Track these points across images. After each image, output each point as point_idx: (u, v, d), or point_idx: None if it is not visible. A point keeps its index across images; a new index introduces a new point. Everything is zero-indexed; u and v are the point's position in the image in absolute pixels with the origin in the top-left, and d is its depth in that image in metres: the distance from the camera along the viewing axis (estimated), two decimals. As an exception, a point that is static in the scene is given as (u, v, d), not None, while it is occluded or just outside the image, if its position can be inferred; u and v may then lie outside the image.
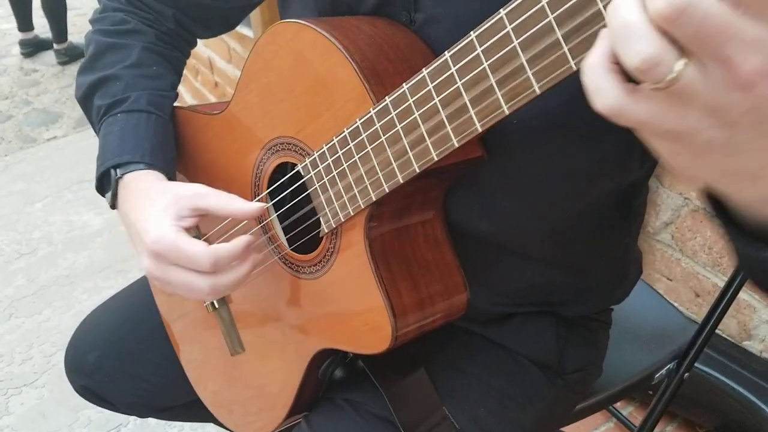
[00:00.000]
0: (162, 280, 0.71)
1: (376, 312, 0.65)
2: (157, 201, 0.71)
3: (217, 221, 0.77)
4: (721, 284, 1.38)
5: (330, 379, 0.78)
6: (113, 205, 0.79)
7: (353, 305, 0.68)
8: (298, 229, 0.73)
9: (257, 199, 0.76)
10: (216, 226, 0.79)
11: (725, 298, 0.96)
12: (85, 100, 0.84)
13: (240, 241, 0.70)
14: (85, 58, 0.85)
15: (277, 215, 0.76)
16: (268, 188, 0.75)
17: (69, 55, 4.18)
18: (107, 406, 1.04)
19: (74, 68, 4.11)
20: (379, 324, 0.66)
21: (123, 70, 0.83)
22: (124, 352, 1.01)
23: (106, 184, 0.79)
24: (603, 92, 0.36)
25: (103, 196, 0.81)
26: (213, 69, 3.15)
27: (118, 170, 0.77)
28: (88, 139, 3.27)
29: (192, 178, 0.86)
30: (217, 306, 0.80)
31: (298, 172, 0.70)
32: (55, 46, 4.17)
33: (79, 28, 4.61)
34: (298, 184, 0.70)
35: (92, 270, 2.36)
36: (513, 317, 0.79)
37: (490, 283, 0.74)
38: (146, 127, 0.81)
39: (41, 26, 4.24)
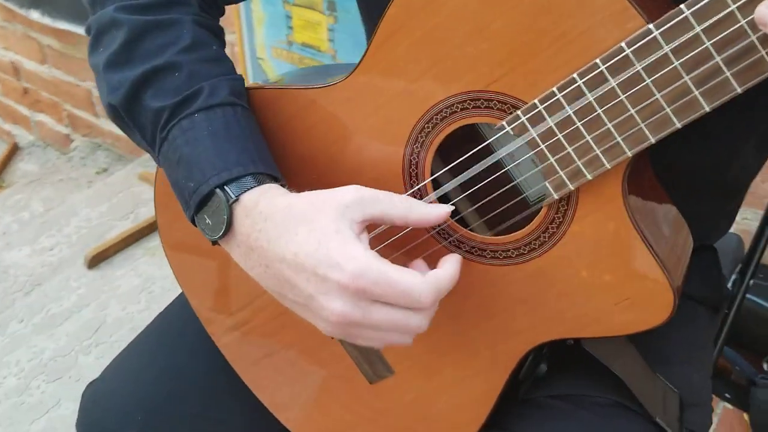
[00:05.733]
0: (362, 324, 0.53)
1: (645, 280, 0.54)
2: (317, 220, 0.53)
3: None
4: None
5: (532, 378, 0.65)
6: (221, 237, 0.58)
7: (599, 278, 0.56)
8: (495, 209, 0.60)
9: (420, 185, 0.60)
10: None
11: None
12: (129, 103, 0.61)
13: (455, 261, 0.56)
14: (113, 48, 0.62)
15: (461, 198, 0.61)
16: (433, 172, 0.59)
17: None
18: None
19: None
20: (648, 293, 0.55)
21: (179, 56, 0.61)
22: (174, 418, 0.79)
23: (208, 209, 0.58)
24: None
25: (196, 224, 0.61)
26: (20, 74, 2.68)
27: (228, 189, 0.57)
28: None
29: (290, 178, 0.66)
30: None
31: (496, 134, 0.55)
32: None
33: None
34: (494, 153, 0.56)
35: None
36: None
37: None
38: (239, 125, 0.61)
39: None
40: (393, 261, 0.53)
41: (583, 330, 0.59)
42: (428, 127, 0.58)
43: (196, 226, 0.60)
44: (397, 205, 0.55)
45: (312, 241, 0.53)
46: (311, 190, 0.57)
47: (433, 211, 0.56)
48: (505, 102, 0.54)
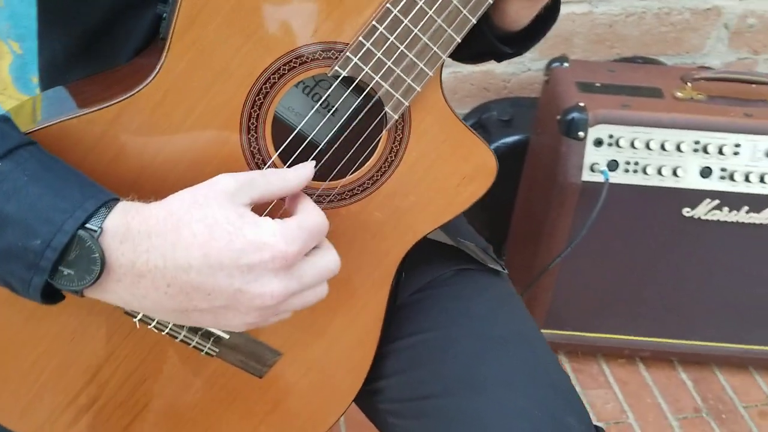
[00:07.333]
0: (298, 291, 0.53)
1: (474, 155, 0.66)
2: (211, 213, 0.50)
3: None
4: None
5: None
6: (96, 278, 0.49)
7: (442, 170, 0.65)
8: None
9: (270, 162, 0.60)
10: None
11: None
12: None
13: (305, 196, 0.59)
14: None
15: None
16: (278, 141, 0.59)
17: None
18: None
19: None
20: (479, 164, 0.66)
21: None
22: None
23: (65, 260, 0.49)
24: None
25: (51, 296, 0.50)
26: None
27: (89, 226, 0.49)
28: None
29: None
30: (225, 337, 0.64)
31: (328, 81, 0.58)
32: None
33: None
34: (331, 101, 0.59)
35: None
36: None
37: None
38: (55, 161, 0.53)
39: None
40: None
41: (438, 220, 0.68)
42: (260, 99, 0.58)
43: (38, 297, 0.50)
44: (272, 180, 0.55)
45: (219, 234, 0.49)
46: (134, 195, 0.53)
47: (303, 173, 0.57)
48: (328, 49, 0.58)
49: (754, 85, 1.38)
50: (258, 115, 0.58)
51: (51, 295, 0.50)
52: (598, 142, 1.30)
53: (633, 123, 1.29)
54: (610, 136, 1.30)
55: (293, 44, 0.57)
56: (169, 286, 0.50)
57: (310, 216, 0.54)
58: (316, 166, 0.61)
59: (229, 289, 0.50)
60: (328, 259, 0.55)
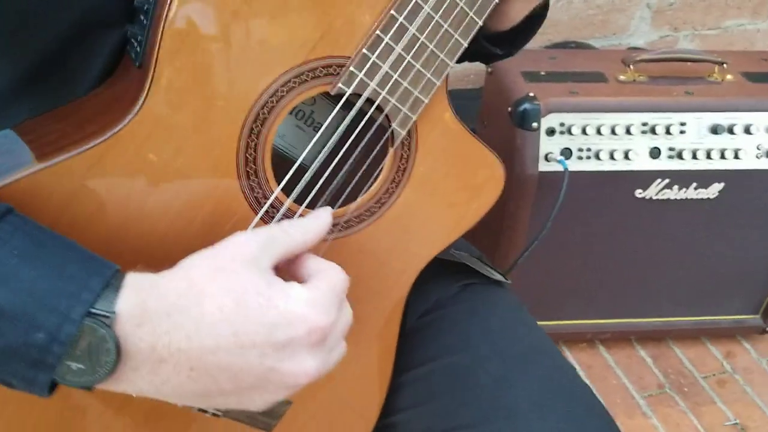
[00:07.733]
0: (331, 357, 0.49)
1: (481, 164, 0.62)
2: (237, 284, 0.44)
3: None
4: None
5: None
6: (111, 372, 0.42)
7: (451, 184, 0.61)
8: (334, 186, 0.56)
9: (272, 196, 0.53)
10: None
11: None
12: None
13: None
14: None
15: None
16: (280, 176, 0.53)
17: None
18: None
19: None
20: (488, 174, 0.62)
21: None
22: None
23: (73, 353, 0.41)
24: None
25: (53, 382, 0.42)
26: None
27: (96, 311, 0.41)
28: None
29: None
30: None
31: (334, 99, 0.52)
32: None
33: None
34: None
35: None
36: None
37: None
38: (41, 230, 0.44)
39: None
40: None
41: (449, 238, 0.63)
42: (257, 126, 0.51)
43: (45, 393, 0.42)
44: (293, 235, 0.50)
45: (249, 308, 0.43)
46: (142, 267, 0.46)
47: (322, 222, 0.52)
48: (329, 65, 0.52)
49: (689, 63, 1.41)
50: (256, 145, 0.52)
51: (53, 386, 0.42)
52: (551, 132, 1.29)
53: (583, 110, 1.28)
54: (562, 124, 1.29)
55: (291, 62, 0.50)
56: (192, 369, 0.43)
57: (334, 275, 0.48)
58: (323, 196, 0.55)
59: (260, 368, 0.44)
60: (347, 318, 0.50)
